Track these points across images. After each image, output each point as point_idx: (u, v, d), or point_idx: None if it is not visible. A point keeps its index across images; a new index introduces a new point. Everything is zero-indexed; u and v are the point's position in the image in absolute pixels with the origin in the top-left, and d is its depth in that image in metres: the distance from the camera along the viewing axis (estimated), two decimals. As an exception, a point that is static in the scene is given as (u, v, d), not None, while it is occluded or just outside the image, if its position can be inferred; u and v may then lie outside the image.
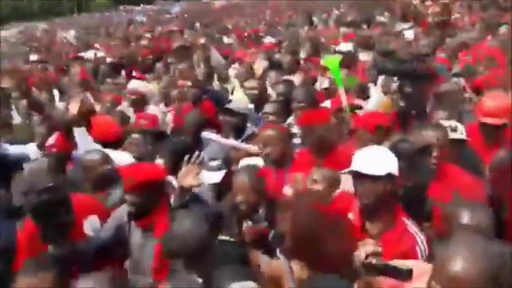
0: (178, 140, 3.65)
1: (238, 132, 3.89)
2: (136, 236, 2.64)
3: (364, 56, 5.61)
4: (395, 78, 3.59)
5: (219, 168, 3.03)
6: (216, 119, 4.27)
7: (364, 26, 9.04)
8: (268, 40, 8.69)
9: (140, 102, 4.78)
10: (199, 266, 2.10)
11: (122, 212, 2.71)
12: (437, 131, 2.67)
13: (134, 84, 5.03)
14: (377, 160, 2.11)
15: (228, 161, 3.21)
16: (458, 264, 1.22)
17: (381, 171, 2.07)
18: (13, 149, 4.01)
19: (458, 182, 2.54)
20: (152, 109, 4.78)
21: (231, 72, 6.03)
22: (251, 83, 4.70)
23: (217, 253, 2.20)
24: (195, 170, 2.60)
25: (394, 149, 2.31)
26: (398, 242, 2.04)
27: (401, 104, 3.38)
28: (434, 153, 2.59)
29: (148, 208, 2.57)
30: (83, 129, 3.41)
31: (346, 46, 5.70)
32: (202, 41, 8.75)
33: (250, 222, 2.49)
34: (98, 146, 3.38)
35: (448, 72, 4.50)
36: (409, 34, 6.69)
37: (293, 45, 7.31)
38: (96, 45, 11.00)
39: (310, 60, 5.55)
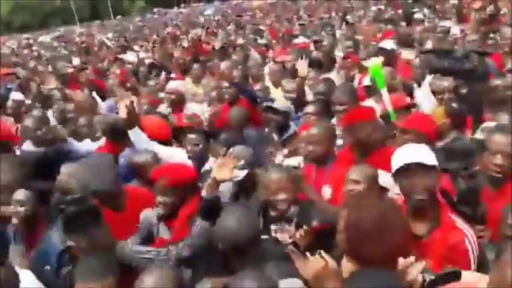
0: (228, 136, 3.71)
1: (281, 130, 4.01)
2: (164, 236, 2.69)
3: (407, 54, 5.46)
4: (449, 78, 3.40)
5: (242, 168, 3.03)
6: (255, 117, 4.32)
7: (403, 24, 8.81)
8: (302, 40, 8.62)
9: (178, 102, 4.85)
10: (247, 260, 2.14)
11: (150, 214, 2.76)
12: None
13: (173, 84, 5.10)
14: (424, 152, 2.08)
15: (252, 163, 3.17)
16: None
17: (433, 161, 2.03)
18: (79, 145, 4.21)
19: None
20: (192, 108, 4.85)
21: (266, 71, 6.03)
22: (290, 85, 4.68)
23: (262, 249, 2.23)
24: (230, 164, 2.61)
25: (450, 146, 2.24)
26: (447, 238, 2.01)
27: (455, 105, 3.20)
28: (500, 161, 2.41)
29: (178, 209, 2.63)
30: (137, 129, 3.52)
31: (389, 43, 5.58)
32: (240, 41, 8.79)
33: (304, 227, 2.46)
34: (155, 144, 3.52)
35: (500, 70, 4.30)
36: (456, 30, 6.44)
37: (330, 44, 7.24)
38: (135, 47, 11.22)
39: (348, 57, 5.44)
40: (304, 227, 2.44)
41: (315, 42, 7.85)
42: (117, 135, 3.57)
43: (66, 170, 3.48)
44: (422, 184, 2.02)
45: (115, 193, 2.87)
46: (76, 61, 10.33)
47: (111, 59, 9.72)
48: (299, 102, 4.48)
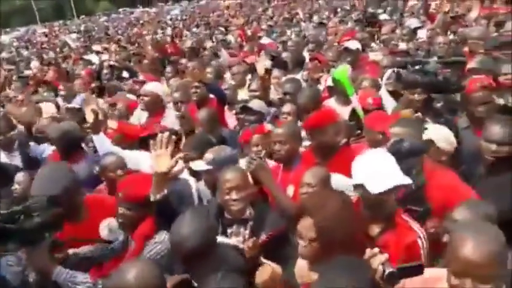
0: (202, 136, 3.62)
1: None
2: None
3: (375, 56, 5.51)
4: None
5: (208, 164, 2.98)
6: (222, 117, 4.26)
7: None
8: (268, 40, 8.62)
9: (155, 104, 4.61)
10: (196, 268, 2.08)
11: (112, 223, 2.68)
12: None
13: (149, 86, 4.88)
14: (383, 174, 2.09)
15: (221, 161, 3.03)
16: (469, 247, 1.52)
17: (388, 186, 2.07)
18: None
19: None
20: (170, 114, 4.65)
21: (227, 74, 5.98)
22: (254, 84, 4.65)
23: (217, 257, 2.13)
24: (167, 152, 2.42)
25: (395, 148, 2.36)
26: (402, 239, 2.09)
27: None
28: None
29: (138, 222, 2.50)
30: (102, 135, 3.43)
31: (354, 44, 5.64)
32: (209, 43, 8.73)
33: (252, 238, 2.37)
34: (118, 149, 3.41)
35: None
36: (422, 33, 6.48)
37: (297, 44, 7.25)
38: (98, 48, 10.95)
39: (315, 58, 5.46)
40: (253, 238, 2.35)
41: (282, 42, 7.86)
42: (72, 145, 3.51)
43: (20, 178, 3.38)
44: (374, 202, 2.12)
45: (72, 201, 2.69)
46: (35, 64, 9.99)
47: (75, 59, 9.47)
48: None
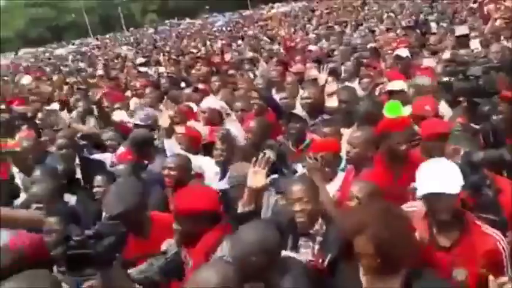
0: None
1: (299, 138, 3.99)
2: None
3: (428, 62, 5.50)
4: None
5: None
6: (278, 127, 4.39)
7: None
8: (315, 48, 8.70)
9: (214, 120, 4.69)
10: (262, 278, 2.08)
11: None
12: None
13: (207, 103, 4.99)
14: (447, 177, 2.12)
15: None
16: None
17: (456, 188, 2.09)
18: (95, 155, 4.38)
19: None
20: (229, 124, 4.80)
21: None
22: (308, 91, 4.73)
23: (282, 268, 2.15)
24: (264, 170, 2.56)
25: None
26: (480, 244, 2.07)
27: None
28: None
29: (195, 237, 2.45)
30: (173, 140, 3.66)
31: (404, 52, 5.65)
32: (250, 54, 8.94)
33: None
34: (185, 154, 3.58)
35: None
36: (476, 44, 6.35)
37: (345, 52, 7.30)
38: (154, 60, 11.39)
39: (369, 65, 5.50)
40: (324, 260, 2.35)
41: (331, 51, 7.92)
42: (145, 149, 3.71)
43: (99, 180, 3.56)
44: (446, 207, 2.11)
45: (140, 218, 2.77)
46: (100, 72, 10.53)
47: (131, 71, 9.90)
48: (316, 109, 4.47)
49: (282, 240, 2.27)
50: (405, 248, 1.86)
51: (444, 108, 4.03)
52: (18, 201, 3.64)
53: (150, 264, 2.60)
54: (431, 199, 2.14)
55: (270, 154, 3.06)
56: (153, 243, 2.68)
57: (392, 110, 3.63)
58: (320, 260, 2.39)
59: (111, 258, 2.23)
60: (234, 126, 4.59)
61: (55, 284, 1.81)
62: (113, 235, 2.26)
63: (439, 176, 2.13)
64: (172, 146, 3.64)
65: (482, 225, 2.16)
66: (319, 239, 2.47)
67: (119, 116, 5.36)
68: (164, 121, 3.66)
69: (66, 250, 2.13)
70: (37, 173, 3.57)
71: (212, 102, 5.02)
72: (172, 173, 3.29)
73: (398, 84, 4.62)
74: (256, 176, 2.56)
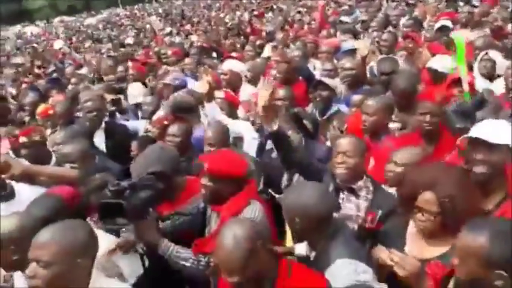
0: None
1: (325, 107, 3.99)
2: (213, 220, 2.59)
3: (470, 35, 5.18)
4: None
5: None
6: (307, 97, 4.27)
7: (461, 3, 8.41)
8: (348, 19, 8.37)
9: (234, 82, 4.80)
10: (314, 235, 2.13)
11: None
12: None
13: (228, 64, 5.03)
14: (498, 129, 2.08)
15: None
16: None
17: (503, 139, 2.03)
18: (130, 124, 4.39)
19: None
20: (246, 89, 4.79)
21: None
22: (350, 62, 4.54)
23: (336, 225, 2.18)
24: (266, 91, 2.66)
25: None
26: None
27: None
28: None
29: (223, 197, 2.47)
30: (213, 104, 3.69)
31: (448, 23, 5.34)
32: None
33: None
34: (225, 118, 3.64)
35: None
36: None
37: (382, 23, 6.97)
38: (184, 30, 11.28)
39: (408, 37, 5.21)
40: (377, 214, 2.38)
41: (363, 22, 7.60)
42: (187, 112, 3.70)
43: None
44: (483, 159, 2.04)
45: (171, 180, 2.72)
46: (129, 40, 10.50)
47: (161, 40, 9.82)
48: (358, 81, 4.32)
49: (333, 206, 2.27)
50: (469, 212, 1.84)
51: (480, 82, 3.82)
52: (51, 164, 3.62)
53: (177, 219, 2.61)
54: (470, 149, 2.08)
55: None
56: (181, 204, 2.69)
57: (459, 40, 3.54)
58: (370, 217, 2.39)
59: (144, 211, 2.28)
60: (250, 90, 4.52)
61: (90, 233, 1.84)
62: (149, 190, 2.29)
63: (488, 128, 2.10)
64: (213, 110, 3.65)
65: None
66: (364, 194, 2.49)
67: (134, 88, 5.27)
68: (203, 86, 3.65)
69: (100, 198, 2.16)
70: (67, 134, 3.58)
71: (234, 64, 4.95)
72: (212, 148, 3.23)
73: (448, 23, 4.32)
74: (261, 97, 2.64)
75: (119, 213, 2.14)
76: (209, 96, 3.64)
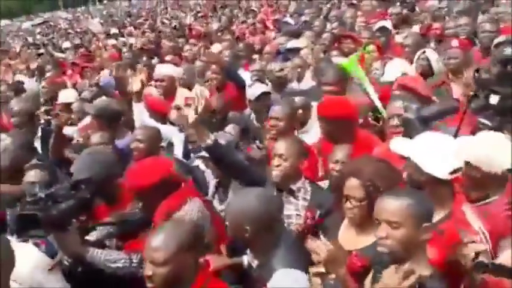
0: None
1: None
2: None
3: (400, 38, 5.28)
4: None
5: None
6: (240, 102, 4.23)
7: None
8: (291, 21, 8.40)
9: (171, 88, 4.57)
10: (257, 243, 2.10)
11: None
12: None
13: (163, 69, 4.78)
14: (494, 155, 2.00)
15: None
16: None
17: (497, 168, 1.99)
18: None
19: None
20: (183, 93, 4.62)
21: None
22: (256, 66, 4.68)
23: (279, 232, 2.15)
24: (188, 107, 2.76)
25: None
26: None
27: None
28: None
29: (154, 205, 2.42)
30: (142, 105, 3.72)
31: (388, 24, 5.44)
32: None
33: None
34: (152, 122, 3.60)
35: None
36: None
37: (321, 25, 7.01)
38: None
39: (349, 36, 5.24)
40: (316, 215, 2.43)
41: (305, 22, 7.64)
42: (112, 119, 3.56)
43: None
44: (478, 180, 2.04)
45: (108, 186, 2.70)
46: (66, 44, 10.09)
47: (99, 45, 9.49)
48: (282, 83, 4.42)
49: (282, 209, 2.26)
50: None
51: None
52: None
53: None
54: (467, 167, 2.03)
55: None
56: (122, 210, 2.69)
57: (349, 66, 3.56)
58: (309, 214, 2.44)
59: (65, 222, 2.20)
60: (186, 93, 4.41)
61: (6, 247, 1.65)
62: (73, 199, 2.24)
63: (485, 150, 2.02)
64: (141, 111, 3.66)
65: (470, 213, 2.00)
66: (301, 195, 2.54)
67: (64, 95, 5.03)
68: (136, 84, 3.62)
69: (17, 210, 2.12)
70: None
71: (169, 69, 4.77)
72: (141, 145, 3.13)
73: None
74: (190, 114, 2.65)
75: (35, 225, 2.08)
76: (139, 96, 3.65)
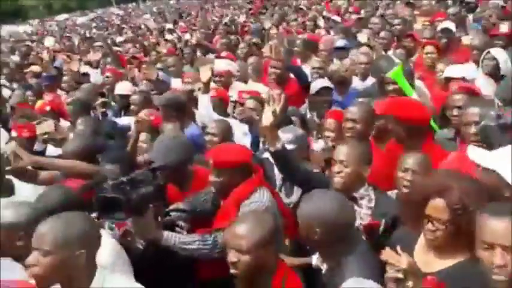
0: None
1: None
2: None
3: (466, 40, 5.15)
4: None
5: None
6: (299, 96, 4.25)
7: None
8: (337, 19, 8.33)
9: (229, 81, 4.76)
10: (331, 248, 2.06)
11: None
12: None
13: (222, 64, 4.95)
14: None
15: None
16: None
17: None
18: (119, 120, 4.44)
19: None
20: (236, 86, 4.75)
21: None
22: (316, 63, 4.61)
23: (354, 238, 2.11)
24: (271, 108, 2.57)
25: None
26: None
27: None
28: None
29: (229, 187, 2.51)
30: (207, 97, 3.75)
31: (451, 25, 5.31)
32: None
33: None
34: (216, 115, 3.69)
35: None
36: None
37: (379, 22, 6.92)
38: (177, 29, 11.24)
39: (410, 35, 5.16)
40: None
41: (359, 20, 7.58)
42: (180, 110, 3.67)
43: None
44: None
45: (183, 172, 2.83)
46: (121, 39, 10.43)
47: (154, 41, 9.76)
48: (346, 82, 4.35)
49: (354, 216, 2.19)
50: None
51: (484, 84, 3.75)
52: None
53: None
54: None
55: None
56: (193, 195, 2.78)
57: (395, 75, 3.45)
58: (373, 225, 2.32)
59: (143, 207, 2.27)
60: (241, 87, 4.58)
61: (91, 227, 1.85)
62: (151, 185, 2.31)
63: None
64: (205, 102, 3.71)
65: None
66: (365, 203, 2.43)
67: (121, 87, 5.21)
68: (205, 74, 3.67)
69: (100, 193, 2.18)
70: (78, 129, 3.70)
71: (227, 64, 4.94)
72: (215, 139, 3.24)
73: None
74: (266, 115, 2.58)
75: (117, 207, 2.16)
76: (207, 87, 3.67)
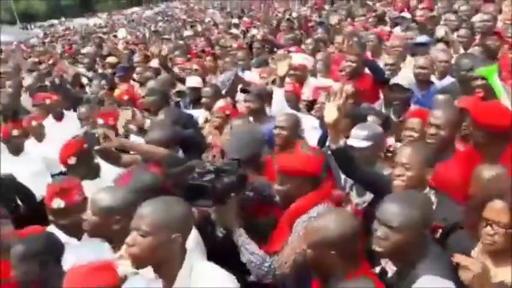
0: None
1: (403, 108, 3.76)
2: None
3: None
4: None
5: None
6: (374, 91, 4.13)
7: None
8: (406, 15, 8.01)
9: (304, 76, 4.71)
10: (405, 256, 1.94)
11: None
12: None
13: (297, 58, 4.93)
14: None
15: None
16: None
17: None
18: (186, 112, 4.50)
19: None
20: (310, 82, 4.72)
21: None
22: (422, 60, 4.34)
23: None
24: (335, 103, 2.47)
25: None
26: None
27: None
28: None
29: (293, 196, 2.41)
30: (281, 91, 3.76)
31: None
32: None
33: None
34: (288, 109, 3.64)
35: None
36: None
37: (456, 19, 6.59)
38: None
39: (496, 33, 4.86)
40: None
41: (432, 17, 7.23)
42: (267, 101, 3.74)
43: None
44: None
45: (257, 163, 2.82)
46: (188, 33, 10.67)
47: (218, 34, 9.91)
48: (427, 80, 4.15)
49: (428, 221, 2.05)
50: None
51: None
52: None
53: None
54: None
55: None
56: None
57: (488, 73, 3.23)
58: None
59: (226, 196, 2.29)
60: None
61: (188, 212, 1.90)
62: (234, 175, 2.32)
63: None
64: (279, 96, 3.72)
65: None
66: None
67: (191, 80, 5.28)
68: (282, 69, 3.68)
69: (188, 180, 2.22)
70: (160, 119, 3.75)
71: (303, 58, 4.86)
72: (283, 132, 3.23)
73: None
74: (329, 111, 2.47)
75: (203, 195, 2.21)
76: (282, 81, 3.66)
